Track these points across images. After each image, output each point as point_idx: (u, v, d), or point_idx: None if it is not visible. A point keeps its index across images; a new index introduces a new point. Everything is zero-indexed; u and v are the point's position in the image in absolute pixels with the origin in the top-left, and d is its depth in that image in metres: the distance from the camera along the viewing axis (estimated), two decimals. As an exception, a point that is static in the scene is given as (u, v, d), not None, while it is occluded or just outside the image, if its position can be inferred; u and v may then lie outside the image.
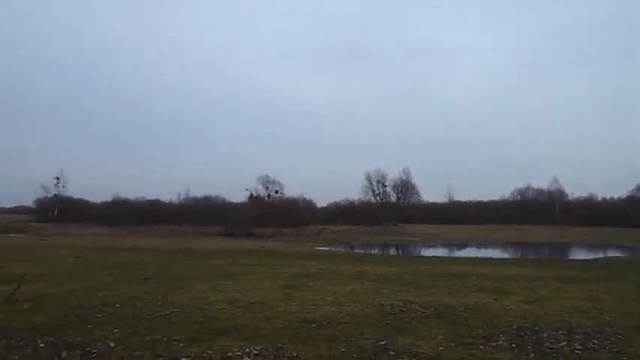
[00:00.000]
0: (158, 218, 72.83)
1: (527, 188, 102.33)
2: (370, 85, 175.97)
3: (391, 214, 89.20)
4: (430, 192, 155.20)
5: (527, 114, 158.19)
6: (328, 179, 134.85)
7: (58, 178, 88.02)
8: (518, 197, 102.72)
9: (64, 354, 6.14)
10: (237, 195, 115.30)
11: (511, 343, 6.92)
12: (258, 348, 6.56)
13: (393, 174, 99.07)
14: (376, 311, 9.26)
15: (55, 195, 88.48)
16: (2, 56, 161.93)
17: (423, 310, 9.31)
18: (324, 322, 8.21)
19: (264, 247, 31.90)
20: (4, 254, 22.07)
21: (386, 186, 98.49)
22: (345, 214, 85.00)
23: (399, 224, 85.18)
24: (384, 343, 6.84)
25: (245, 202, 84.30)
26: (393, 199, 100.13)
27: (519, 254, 40.43)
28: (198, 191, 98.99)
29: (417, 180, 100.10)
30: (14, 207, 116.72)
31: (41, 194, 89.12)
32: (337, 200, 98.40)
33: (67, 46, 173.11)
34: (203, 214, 73.37)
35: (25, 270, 15.31)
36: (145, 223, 68.78)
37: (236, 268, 17.08)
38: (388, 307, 9.67)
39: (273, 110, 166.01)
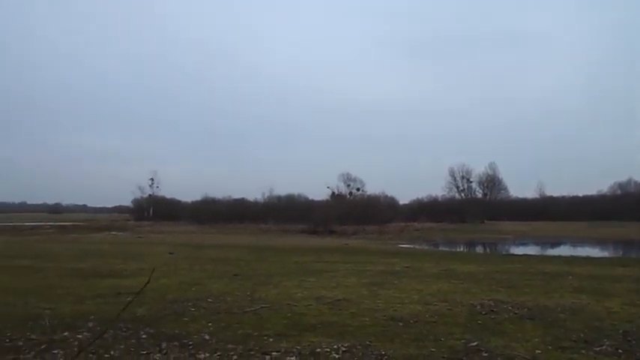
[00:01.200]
0: (244, 216, 75.54)
1: (629, 182, 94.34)
2: (451, 79, 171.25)
3: (477, 210, 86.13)
4: (518, 188, 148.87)
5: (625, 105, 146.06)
6: (410, 176, 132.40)
7: (152, 180, 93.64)
8: (619, 192, 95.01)
9: (163, 345, 6.50)
10: (319, 193, 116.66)
11: (617, 349, 6.41)
12: (346, 345, 6.58)
13: (478, 169, 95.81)
14: (466, 311, 8.97)
15: (150, 195, 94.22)
16: (105, 66, 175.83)
17: (516, 311, 8.88)
18: (412, 321, 8.07)
19: (347, 245, 31.99)
20: (109, 251, 23.82)
21: (471, 182, 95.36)
22: (428, 211, 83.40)
23: (485, 221, 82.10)
24: (475, 344, 6.61)
25: (327, 200, 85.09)
26: (479, 195, 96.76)
27: (622, 253, 37.46)
28: (282, 190, 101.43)
29: (504, 175, 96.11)
30: (114, 207, 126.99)
31: (138, 194, 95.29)
32: (420, 197, 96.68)
33: (162, 56, 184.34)
34: (286, 212, 75.04)
35: (126, 266, 16.47)
36: (232, 221, 71.58)
37: (320, 266, 17.27)
38: (478, 306, 9.33)
39: (356, 109, 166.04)
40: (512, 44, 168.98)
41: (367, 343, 6.72)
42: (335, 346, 6.51)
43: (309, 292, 11.10)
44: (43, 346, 6.33)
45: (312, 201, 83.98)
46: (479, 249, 41.18)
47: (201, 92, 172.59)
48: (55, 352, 6.12)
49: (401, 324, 7.90)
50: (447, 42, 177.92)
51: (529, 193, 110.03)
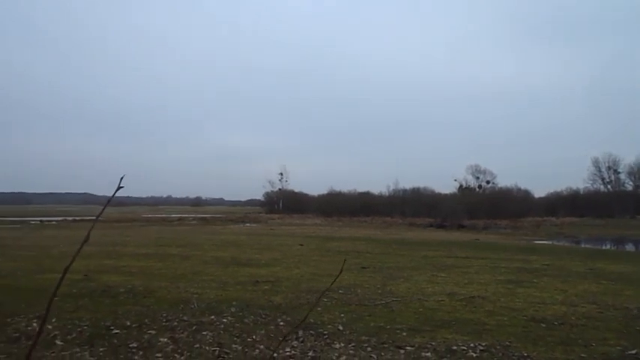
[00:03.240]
0: (369, 209, 75.92)
1: None
2: (591, 61, 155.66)
3: (626, 204, 77.43)
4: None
5: None
6: (546, 167, 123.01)
7: (282, 174, 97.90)
8: None
9: (300, 333, 6.74)
10: (445, 186, 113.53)
11: None
12: (483, 344, 6.29)
13: (628, 159, 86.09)
14: (620, 315, 8.11)
15: (279, 189, 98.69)
16: (234, 69, 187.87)
17: (683, 318, 7.83)
18: (556, 323, 7.50)
19: (478, 240, 30.65)
20: (245, 242, 25.36)
21: (619, 173, 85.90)
22: (567, 204, 76.87)
23: (637, 216, 73.57)
24: (634, 352, 5.94)
25: (454, 193, 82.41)
26: (629, 187, 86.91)
27: None
28: (407, 183, 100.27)
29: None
30: (248, 200, 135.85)
31: (268, 189, 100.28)
32: (558, 190, 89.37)
33: (291, 56, 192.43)
34: (412, 206, 74.08)
35: (261, 256, 17.40)
36: (357, 214, 72.36)
37: (451, 261, 16.76)
38: (635, 311, 8.40)
39: (485, 96, 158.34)
40: None
41: (507, 343, 6.37)
42: (472, 345, 6.27)
43: (440, 288, 10.83)
44: (193, 327, 6.91)
45: (439, 194, 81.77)
46: (629, 247, 37.02)
47: (326, 90, 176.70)
48: (205, 333, 6.65)
49: (544, 325, 7.37)
50: (573, 23, 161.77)
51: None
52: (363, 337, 6.54)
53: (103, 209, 2.00)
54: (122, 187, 1.78)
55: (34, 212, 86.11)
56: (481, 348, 6.16)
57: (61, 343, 6.05)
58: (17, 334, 6.39)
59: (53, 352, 5.65)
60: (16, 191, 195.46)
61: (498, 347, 6.20)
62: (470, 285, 11.30)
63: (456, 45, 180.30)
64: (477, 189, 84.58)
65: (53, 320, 7.17)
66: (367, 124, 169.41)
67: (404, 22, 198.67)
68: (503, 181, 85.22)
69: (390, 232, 38.72)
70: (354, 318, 7.73)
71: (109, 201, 1.92)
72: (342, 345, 6.20)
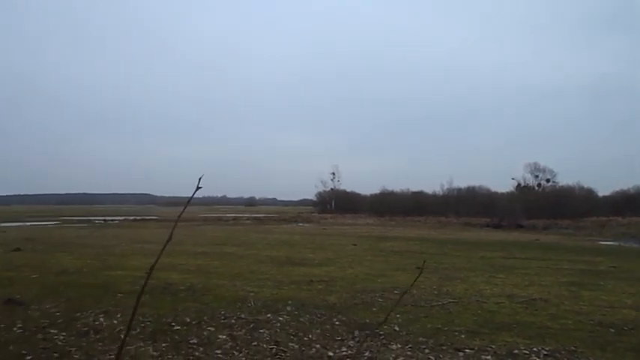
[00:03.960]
0: (423, 209, 74.80)
1: None
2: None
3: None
4: None
5: None
6: (611, 165, 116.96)
7: (333, 174, 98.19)
8: None
9: (356, 332, 6.72)
10: (502, 185, 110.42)
11: None
12: (547, 349, 6.06)
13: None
14: (698, 322, 7.60)
15: (331, 189, 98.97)
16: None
17: None
18: (626, 328, 7.12)
19: (538, 240, 29.56)
20: (298, 241, 25.57)
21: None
22: (635, 203, 72.78)
23: None
24: None
25: (512, 192, 79.80)
26: None
27: None
28: (462, 181, 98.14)
29: None
30: (300, 200, 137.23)
31: (320, 188, 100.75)
32: (625, 188, 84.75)
33: (342, 57, 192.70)
34: (467, 205, 72.38)
35: (315, 255, 17.48)
36: (411, 213, 71.43)
37: (510, 262, 16.24)
38: None
39: (545, 91, 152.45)
40: None
41: (572, 348, 6.11)
42: (534, 349, 6.05)
43: (499, 289, 10.52)
44: (251, 325, 7.03)
45: (495, 193, 79.47)
46: None
47: (378, 89, 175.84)
48: (262, 331, 6.74)
49: (612, 330, 7.02)
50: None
51: None
52: (420, 339, 6.44)
53: (184, 209, 2.07)
54: (201, 187, 1.83)
55: (98, 212, 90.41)
56: (545, 352, 5.94)
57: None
58: (86, 329, 6.70)
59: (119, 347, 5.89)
60: (80, 192, 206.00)
61: (563, 352, 5.96)
62: (530, 287, 10.91)
63: (513, 40, 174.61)
64: (536, 187, 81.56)
65: (118, 316, 7.48)
66: (420, 122, 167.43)
67: (452, 17, 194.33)
68: (565, 179, 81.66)
69: (445, 232, 38.00)
70: (411, 319, 7.62)
71: (189, 201, 1.97)
72: (399, 346, 6.13)
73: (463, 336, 6.64)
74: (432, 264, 15.15)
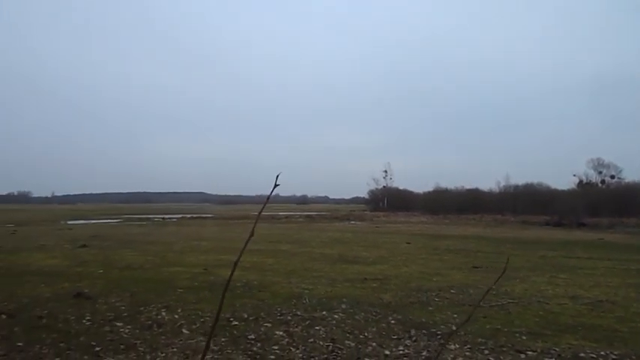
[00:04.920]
0: (478, 207, 73.06)
1: None
2: None
3: None
4: None
5: None
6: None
7: (386, 172, 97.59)
8: None
9: (412, 332, 6.64)
10: (562, 182, 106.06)
11: None
12: (616, 353, 5.78)
13: None
14: None
15: (384, 186, 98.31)
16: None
17: None
18: None
19: (603, 239, 28.21)
20: (351, 239, 25.56)
21: None
22: None
23: None
24: None
25: (573, 189, 76.57)
26: None
27: None
28: (519, 178, 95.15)
29: None
30: (352, 198, 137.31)
31: (373, 186, 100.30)
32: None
33: (395, 55, 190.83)
34: (525, 203, 70.06)
35: (368, 253, 17.42)
36: (465, 211, 69.93)
37: (572, 261, 15.59)
38: None
39: (606, 84, 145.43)
40: None
41: (643, 353, 5.79)
42: (602, 353, 5.78)
43: (562, 290, 10.12)
44: (307, 322, 7.08)
45: (555, 190, 76.44)
46: None
47: (430, 87, 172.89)
48: (317, 328, 6.78)
49: (688, 335, 6.59)
50: None
51: None
52: (479, 340, 6.28)
53: (264, 207, 2.11)
54: (278, 184, 1.86)
55: (157, 210, 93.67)
56: (613, 357, 5.66)
57: (187, 332, 6.49)
58: (149, 322, 6.96)
59: (181, 340, 6.08)
60: (140, 191, 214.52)
61: (634, 357, 5.66)
62: (596, 288, 10.43)
63: (574, 35, 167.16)
64: (600, 184, 77.89)
65: (179, 310, 7.73)
66: (474, 119, 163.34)
67: (511, 12, 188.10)
68: (631, 175, 77.61)
69: (502, 231, 36.92)
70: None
71: (268, 198, 2.01)
72: (457, 346, 6.00)
73: (524, 337, 6.43)
74: (489, 263, 14.80)
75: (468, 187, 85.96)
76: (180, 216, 64.89)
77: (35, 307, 7.87)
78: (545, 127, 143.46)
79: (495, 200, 77.75)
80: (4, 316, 7.18)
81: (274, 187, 1.91)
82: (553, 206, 58.98)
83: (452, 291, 9.86)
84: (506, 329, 6.82)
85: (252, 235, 1.87)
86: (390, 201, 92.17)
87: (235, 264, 1.88)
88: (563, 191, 75.35)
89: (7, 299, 8.51)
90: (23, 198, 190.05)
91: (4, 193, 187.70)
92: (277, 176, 1.89)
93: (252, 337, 6.30)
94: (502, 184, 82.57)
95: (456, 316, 7.65)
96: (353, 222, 54.20)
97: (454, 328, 6.85)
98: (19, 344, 5.85)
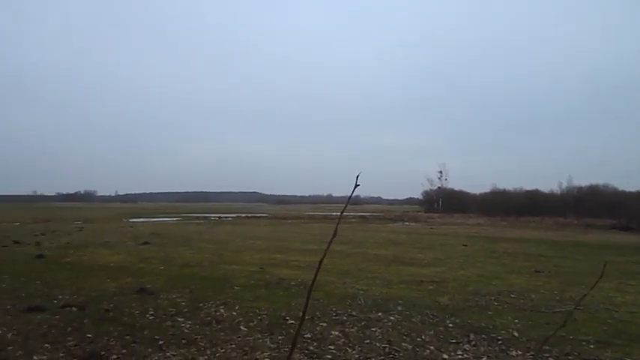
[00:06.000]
0: (538, 209, 70.26)
1: None
2: None
3: None
4: None
5: None
6: None
7: (441, 172, 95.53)
8: None
9: (471, 336, 6.46)
10: (631, 183, 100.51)
11: None
12: (695, 366, 5.39)
13: None
14: None
15: (438, 187, 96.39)
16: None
17: None
18: None
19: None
20: (405, 240, 25.23)
21: None
22: None
23: None
24: None
25: (643, 191, 72.28)
26: None
27: None
28: (582, 179, 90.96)
29: None
30: (405, 199, 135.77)
31: (427, 187, 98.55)
32: None
33: (449, 53, 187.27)
34: (589, 205, 66.80)
35: (424, 255, 17.14)
36: (524, 214, 67.38)
37: (642, 267, 14.73)
38: None
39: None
40: None
41: None
42: (679, 366, 5.41)
43: (632, 297, 9.59)
44: (362, 323, 7.04)
45: (623, 192, 72.36)
46: None
47: (485, 84, 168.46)
48: (373, 329, 6.72)
49: None
50: None
51: None
52: (543, 347, 6.03)
53: (345, 207, 2.13)
54: (359, 185, 1.86)
55: (213, 209, 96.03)
56: (692, 370, 5.29)
57: (245, 329, 6.60)
58: (209, 318, 7.13)
59: (239, 337, 6.19)
60: (196, 190, 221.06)
61: None
62: (670, 296, 9.80)
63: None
64: (672, 186, 73.14)
65: (236, 307, 7.88)
66: (533, 117, 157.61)
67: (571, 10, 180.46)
68: None
69: (564, 234, 35.37)
70: (530, 325, 7.18)
71: (350, 198, 2.02)
72: (519, 352, 5.79)
73: (592, 346, 6.12)
74: (551, 268, 14.25)
75: (527, 188, 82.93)
76: (235, 215, 66.22)
77: (102, 301, 8.24)
78: (612, 127, 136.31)
79: (557, 202, 74.45)
80: (74, 309, 7.56)
81: (355, 188, 1.90)
82: (621, 209, 55.88)
83: (512, 295, 9.53)
84: (571, 337, 6.51)
85: (335, 234, 1.89)
86: (445, 202, 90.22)
87: (320, 262, 1.89)
88: (632, 193, 71.21)
89: (77, 292, 8.96)
90: (89, 196, 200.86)
91: (72, 191, 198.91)
92: (357, 176, 1.87)
93: (309, 336, 6.32)
94: (564, 185, 79.03)
95: (517, 321, 7.39)
96: (407, 223, 53.48)
97: (516, 334, 6.62)
98: (89, 335, 6.13)
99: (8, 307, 7.73)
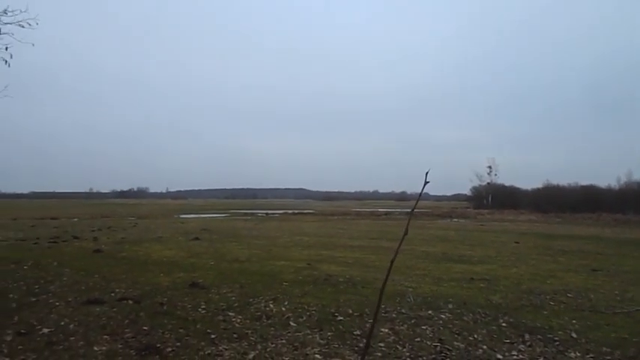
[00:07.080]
0: (595, 205, 67.35)
1: None
2: None
3: None
4: None
5: None
6: None
7: (490, 167, 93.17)
8: None
9: (526, 336, 6.25)
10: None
11: None
12: None
13: None
14: None
15: (488, 183, 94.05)
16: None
17: None
18: None
19: None
20: (454, 237, 24.78)
21: None
22: None
23: None
24: None
25: None
26: None
27: None
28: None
29: None
30: (453, 195, 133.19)
31: (476, 182, 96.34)
32: None
33: (500, 47, 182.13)
34: (651, 201, 63.52)
35: (474, 252, 16.78)
36: (580, 210, 64.78)
37: None
38: None
39: None
40: None
41: None
42: None
43: (700, 299, 9.03)
44: (412, 321, 6.94)
45: (687, 187, 68.51)
46: None
47: (536, 77, 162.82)
48: (424, 327, 6.62)
49: None
50: None
51: None
52: (604, 349, 5.77)
53: (416, 204, 2.11)
54: (428, 182, 1.83)
55: (261, 205, 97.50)
56: None
57: (294, 324, 6.64)
58: (259, 313, 7.22)
59: (289, 333, 6.23)
60: (245, 187, 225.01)
61: None
62: None
63: None
64: None
65: (285, 303, 7.94)
66: (589, 110, 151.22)
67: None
68: None
69: (623, 232, 33.75)
70: (589, 326, 6.88)
71: (420, 195, 2.00)
72: (579, 354, 5.56)
73: (662, 350, 5.80)
74: (610, 266, 13.67)
75: (582, 183, 79.67)
76: (282, 211, 66.91)
77: (157, 295, 8.49)
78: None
79: (615, 198, 71.09)
80: (130, 302, 7.82)
81: (425, 185, 1.86)
82: (685, 205, 52.89)
83: (569, 295, 9.18)
84: (635, 339, 6.20)
85: (406, 233, 1.86)
86: (494, 198, 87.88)
87: (392, 262, 1.87)
88: (698, 188, 67.27)
89: (132, 286, 9.27)
90: (142, 193, 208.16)
91: (126, 189, 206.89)
92: (427, 173, 1.84)
93: (358, 332, 6.30)
94: (623, 180, 75.36)
95: (574, 321, 7.10)
96: (456, 219, 52.45)
97: (574, 335, 6.36)
98: (145, 328, 6.33)
99: (69, 299, 8.08)
